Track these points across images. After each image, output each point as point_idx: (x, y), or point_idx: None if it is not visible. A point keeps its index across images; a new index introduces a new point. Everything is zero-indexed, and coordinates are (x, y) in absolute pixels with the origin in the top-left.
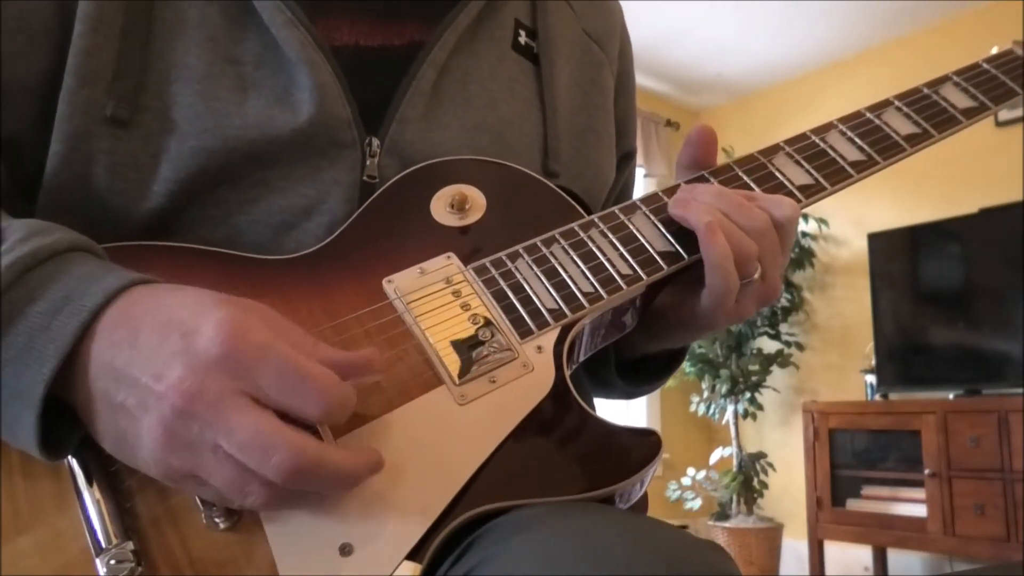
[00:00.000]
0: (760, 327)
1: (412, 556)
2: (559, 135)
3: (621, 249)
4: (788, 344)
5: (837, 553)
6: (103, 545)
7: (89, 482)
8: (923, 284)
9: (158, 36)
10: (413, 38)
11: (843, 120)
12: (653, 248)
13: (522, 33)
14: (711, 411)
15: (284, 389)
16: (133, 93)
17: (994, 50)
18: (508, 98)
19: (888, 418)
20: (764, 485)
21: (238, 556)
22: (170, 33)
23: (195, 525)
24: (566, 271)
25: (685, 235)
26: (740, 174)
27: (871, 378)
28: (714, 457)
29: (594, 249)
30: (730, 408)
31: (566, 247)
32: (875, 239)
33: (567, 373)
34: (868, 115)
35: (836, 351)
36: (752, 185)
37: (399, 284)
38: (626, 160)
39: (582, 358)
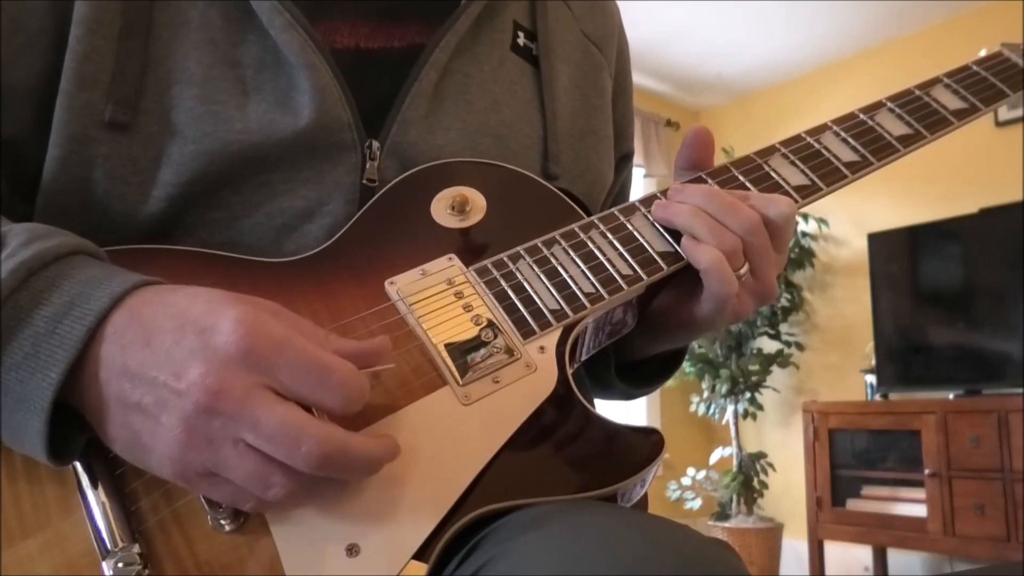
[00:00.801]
0: (760, 327)
1: (418, 556)
2: (559, 138)
3: (621, 250)
4: (788, 344)
5: (837, 553)
6: (109, 548)
7: (94, 485)
8: (923, 284)
9: (157, 38)
10: (413, 40)
11: (837, 121)
12: (652, 248)
13: (521, 35)
14: (711, 411)
15: (305, 381)
16: (132, 97)
17: (982, 52)
18: (509, 100)
19: (888, 418)
20: (764, 485)
21: (245, 557)
22: (169, 36)
23: (201, 527)
24: (567, 272)
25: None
26: (737, 175)
27: (871, 378)
28: (714, 457)
29: (594, 250)
30: (730, 408)
31: (567, 248)
32: (875, 239)
33: (569, 373)
34: (861, 116)
35: (836, 351)
36: (749, 186)
37: (401, 286)
38: (624, 161)
39: (584, 358)
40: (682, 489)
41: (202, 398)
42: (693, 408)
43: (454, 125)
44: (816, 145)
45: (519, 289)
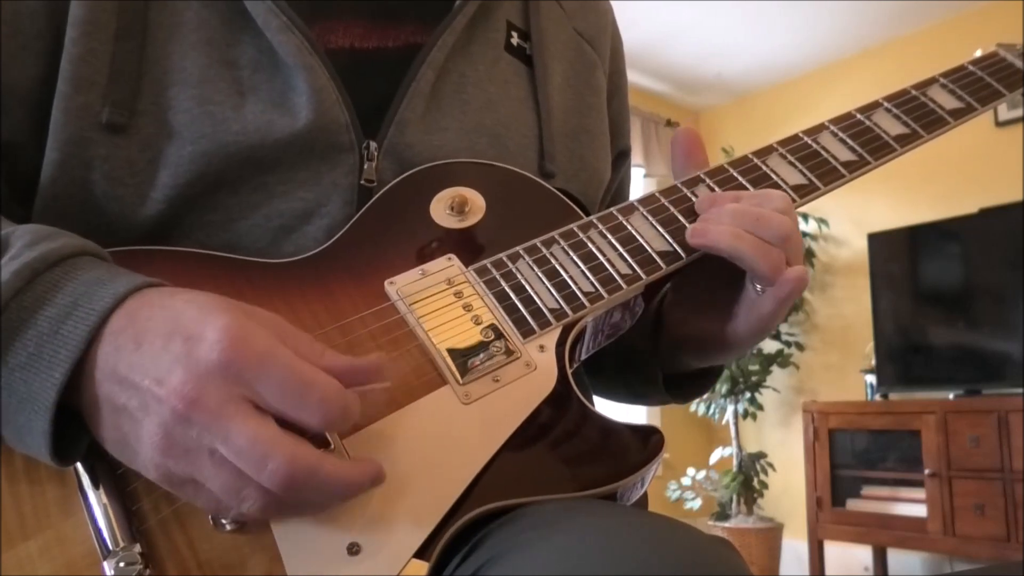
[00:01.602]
0: None
1: (419, 555)
2: (553, 136)
3: (620, 249)
4: (788, 344)
5: (837, 553)
6: (111, 548)
7: (95, 485)
8: (923, 284)
9: (153, 39)
10: (408, 40)
11: (834, 121)
12: (652, 248)
13: (514, 34)
14: (711, 411)
15: (284, 397)
16: (129, 98)
17: (978, 52)
18: (504, 100)
19: (888, 418)
20: (764, 485)
21: (246, 557)
22: (165, 36)
23: (202, 527)
24: (566, 271)
25: (683, 235)
26: (735, 175)
27: (871, 378)
28: (714, 457)
29: (593, 249)
30: (730, 408)
31: (566, 248)
32: (875, 239)
33: (569, 372)
34: (858, 116)
35: (836, 351)
36: (747, 185)
37: (401, 286)
38: (621, 159)
39: (583, 357)
40: (682, 489)
41: (179, 406)
42: (693, 408)
43: (451, 125)
44: (814, 145)
45: (519, 289)
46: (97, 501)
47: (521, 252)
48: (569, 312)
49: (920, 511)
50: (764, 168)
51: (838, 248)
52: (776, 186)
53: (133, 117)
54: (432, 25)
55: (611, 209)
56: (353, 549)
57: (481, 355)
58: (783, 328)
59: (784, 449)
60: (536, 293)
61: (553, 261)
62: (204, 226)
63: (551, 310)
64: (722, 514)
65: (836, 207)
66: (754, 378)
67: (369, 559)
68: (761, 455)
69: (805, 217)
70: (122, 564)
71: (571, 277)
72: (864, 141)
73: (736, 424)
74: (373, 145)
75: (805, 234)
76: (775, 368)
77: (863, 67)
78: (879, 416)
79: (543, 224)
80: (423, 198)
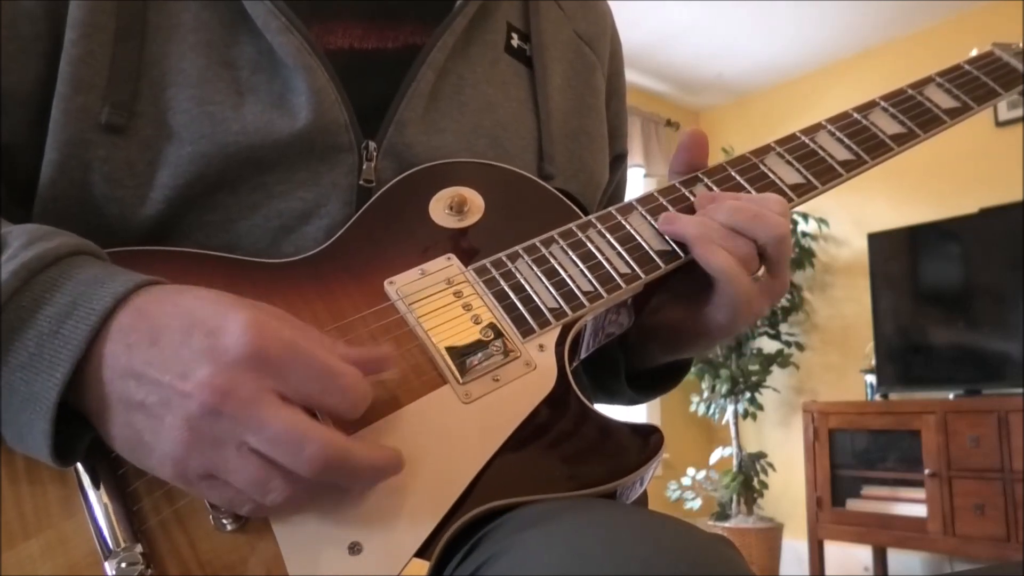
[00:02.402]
0: (760, 327)
1: (420, 554)
2: (553, 138)
3: (619, 248)
4: (788, 344)
5: (837, 553)
6: (112, 548)
7: (96, 485)
8: (923, 284)
9: (152, 40)
10: (407, 41)
11: (831, 120)
12: (650, 247)
13: (514, 36)
14: (711, 411)
15: (312, 386)
16: (128, 99)
17: (974, 52)
18: (503, 101)
19: (888, 418)
20: (764, 485)
21: (247, 557)
22: (164, 37)
23: (203, 526)
24: (566, 271)
25: None
26: (733, 174)
27: (871, 378)
28: (714, 457)
29: (592, 249)
30: (730, 408)
31: (565, 247)
32: (875, 239)
33: (569, 371)
34: (855, 115)
35: (836, 351)
36: (745, 184)
37: (400, 285)
38: (618, 162)
39: (583, 356)
40: (682, 489)
41: (209, 399)
42: (693, 408)
43: (450, 126)
44: (811, 144)
45: (518, 288)
46: (98, 501)
47: (520, 252)
48: (568, 311)
49: (920, 511)
50: (762, 167)
51: (838, 248)
52: (774, 184)
53: (132, 118)
54: (432, 26)
55: (610, 209)
56: (354, 548)
57: (481, 354)
58: (783, 328)
59: (784, 449)
60: (535, 292)
61: (552, 261)
62: (203, 226)
63: (550, 309)
64: (722, 514)
65: (836, 207)
66: (754, 378)
67: (370, 558)
68: (761, 455)
69: (805, 217)
70: (123, 564)
71: (570, 276)
72: (861, 140)
73: (736, 424)
74: (372, 145)
75: (805, 234)
76: (775, 368)
77: (863, 67)
78: (879, 416)
79: (542, 224)
80: (422, 198)
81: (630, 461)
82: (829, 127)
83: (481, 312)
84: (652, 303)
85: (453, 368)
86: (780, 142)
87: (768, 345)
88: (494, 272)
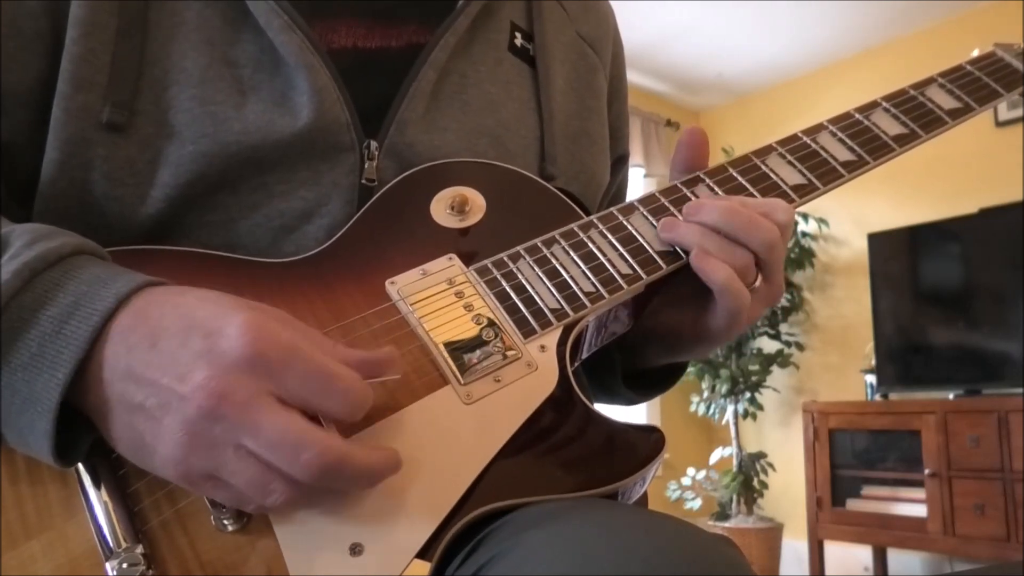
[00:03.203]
0: (760, 327)
1: (421, 555)
2: (555, 139)
3: (620, 249)
4: (788, 344)
5: (837, 553)
6: (113, 548)
7: (97, 486)
8: (923, 284)
9: (154, 39)
10: (411, 40)
11: (833, 121)
12: (652, 248)
13: (518, 35)
14: (711, 411)
15: (310, 389)
16: (129, 98)
17: (975, 52)
18: (506, 101)
19: (888, 418)
20: (764, 485)
21: (248, 557)
22: (166, 36)
23: (204, 527)
24: (567, 271)
25: None
26: (734, 175)
27: (871, 378)
28: (714, 457)
29: (594, 249)
30: (730, 408)
31: (566, 248)
32: (875, 239)
33: (570, 372)
34: (857, 116)
35: (836, 351)
36: (747, 185)
37: (402, 285)
38: (620, 163)
39: (584, 356)
40: (682, 489)
41: (205, 402)
42: (693, 408)
43: (451, 126)
44: (813, 145)
45: (520, 289)
46: (99, 501)
47: (522, 252)
48: (570, 312)
49: (920, 511)
50: (763, 168)
51: (838, 248)
52: (776, 186)
53: (133, 117)
54: (435, 25)
55: (611, 209)
56: (355, 549)
57: (482, 355)
58: (783, 328)
59: (784, 449)
60: (537, 293)
61: (554, 261)
62: (204, 226)
63: (552, 310)
64: (722, 514)
65: (836, 207)
66: (754, 378)
67: (371, 559)
68: (761, 455)
69: (805, 217)
70: (125, 565)
71: (572, 277)
72: (863, 141)
73: (736, 424)
74: (374, 144)
75: (805, 234)
76: (775, 368)
77: (863, 67)
78: (879, 416)
79: (544, 224)
80: (423, 198)
81: (631, 462)
82: (831, 128)
83: (483, 312)
84: (651, 305)
85: (454, 369)
86: (782, 142)
87: (768, 345)
88: (496, 272)
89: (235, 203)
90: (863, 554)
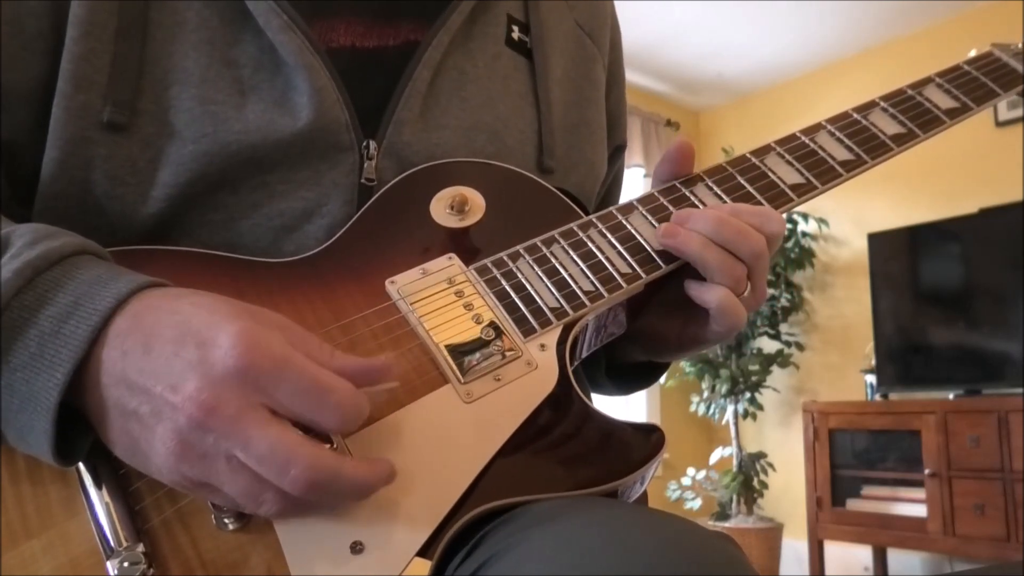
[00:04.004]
0: (760, 327)
1: (422, 553)
2: (553, 131)
3: (620, 248)
4: (788, 344)
5: (837, 553)
6: (114, 547)
7: (98, 485)
8: (923, 284)
9: (154, 39)
10: (408, 38)
11: (831, 121)
12: (651, 247)
13: (515, 28)
14: (711, 411)
15: (302, 402)
16: (130, 97)
17: (972, 52)
18: (503, 95)
19: (888, 418)
20: (764, 485)
21: (249, 556)
22: (166, 36)
23: (205, 526)
24: (567, 270)
25: None
26: (734, 174)
27: (871, 378)
28: (714, 457)
29: (593, 249)
30: (730, 408)
31: (566, 247)
32: (875, 239)
33: (570, 370)
34: (855, 116)
35: (836, 351)
36: (745, 184)
37: (402, 285)
38: (617, 153)
39: (584, 355)
40: (682, 489)
41: (195, 413)
42: (693, 408)
43: (449, 123)
44: (811, 144)
45: (519, 288)
46: (100, 501)
47: (521, 251)
48: (570, 311)
49: (920, 511)
50: (762, 167)
51: (838, 248)
52: (774, 184)
53: (134, 116)
54: (431, 22)
55: (611, 208)
56: (356, 548)
57: (482, 354)
58: (783, 328)
59: (784, 449)
60: (536, 292)
61: (553, 260)
62: (205, 225)
63: (552, 309)
64: (722, 514)
65: (836, 207)
66: (754, 378)
67: (372, 558)
68: (761, 455)
69: (805, 217)
70: (126, 564)
71: (571, 276)
72: (861, 140)
73: (736, 424)
74: (373, 144)
75: (805, 234)
76: (775, 368)
77: (863, 67)
78: (879, 416)
79: (543, 223)
80: (423, 197)
81: (631, 460)
82: (829, 127)
83: (482, 311)
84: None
85: (454, 367)
86: (780, 142)
87: (768, 345)
88: (495, 272)
89: (235, 202)
90: (863, 554)
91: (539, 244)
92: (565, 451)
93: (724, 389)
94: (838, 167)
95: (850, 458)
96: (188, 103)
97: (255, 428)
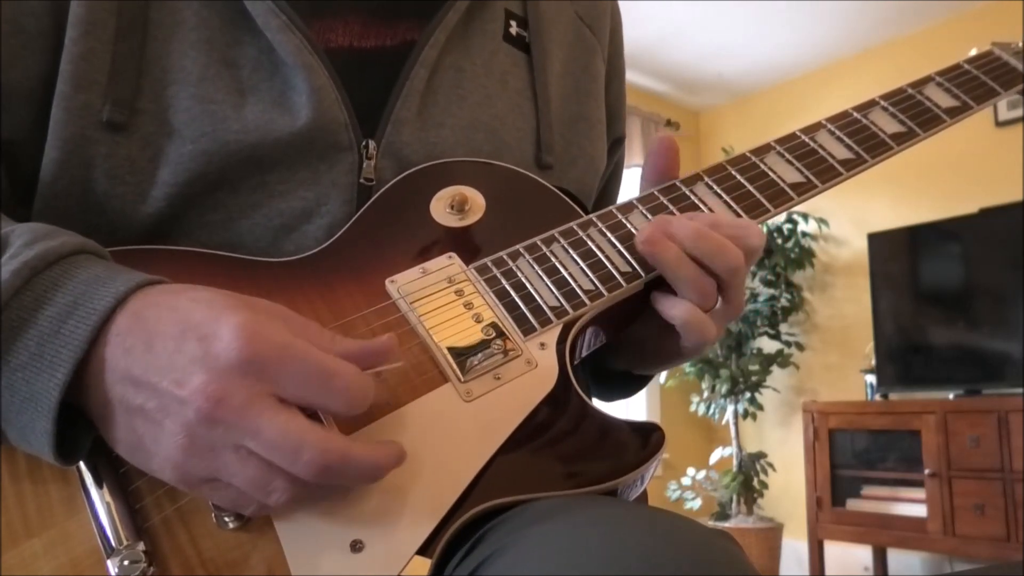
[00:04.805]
0: (760, 327)
1: (422, 551)
2: (551, 126)
3: (620, 247)
4: (788, 344)
5: (837, 553)
6: (114, 546)
7: (99, 484)
8: (923, 284)
9: (153, 38)
10: (405, 37)
11: (831, 120)
12: None
13: (513, 23)
14: (711, 411)
15: (308, 387)
16: (129, 97)
17: (973, 51)
18: (501, 92)
19: (888, 418)
20: (764, 485)
21: (249, 555)
22: (166, 35)
23: (205, 525)
24: (567, 269)
25: None
26: (733, 173)
27: (871, 378)
28: (714, 457)
29: (593, 247)
30: (730, 408)
31: (566, 246)
32: (875, 239)
33: (570, 370)
34: (855, 115)
35: (836, 351)
36: (745, 184)
37: (402, 284)
38: (616, 146)
39: (583, 355)
40: (682, 489)
41: (204, 406)
42: (693, 408)
43: (447, 121)
44: (811, 143)
45: (519, 287)
46: (100, 500)
47: (521, 250)
48: (570, 310)
49: (920, 511)
50: (762, 166)
51: (838, 248)
52: (774, 183)
53: (133, 115)
54: (428, 21)
55: (610, 208)
56: (356, 546)
57: (482, 353)
58: (783, 328)
59: (784, 449)
60: (536, 291)
61: (553, 259)
62: (204, 225)
63: (551, 308)
64: (722, 514)
65: (836, 207)
66: (754, 378)
67: (372, 556)
68: (761, 455)
69: (805, 217)
70: (126, 563)
71: (571, 275)
72: (861, 139)
73: (736, 424)
74: (372, 144)
75: (805, 234)
76: (775, 368)
77: (863, 67)
78: (879, 416)
79: (543, 222)
80: (423, 197)
81: (631, 459)
82: (829, 126)
83: (482, 310)
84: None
85: (454, 366)
86: (780, 141)
87: (768, 345)
88: (495, 271)
89: (235, 202)
90: (863, 554)
91: (539, 243)
92: (565, 450)
93: (724, 389)
94: (838, 166)
95: (850, 458)
96: (187, 102)
97: (264, 416)
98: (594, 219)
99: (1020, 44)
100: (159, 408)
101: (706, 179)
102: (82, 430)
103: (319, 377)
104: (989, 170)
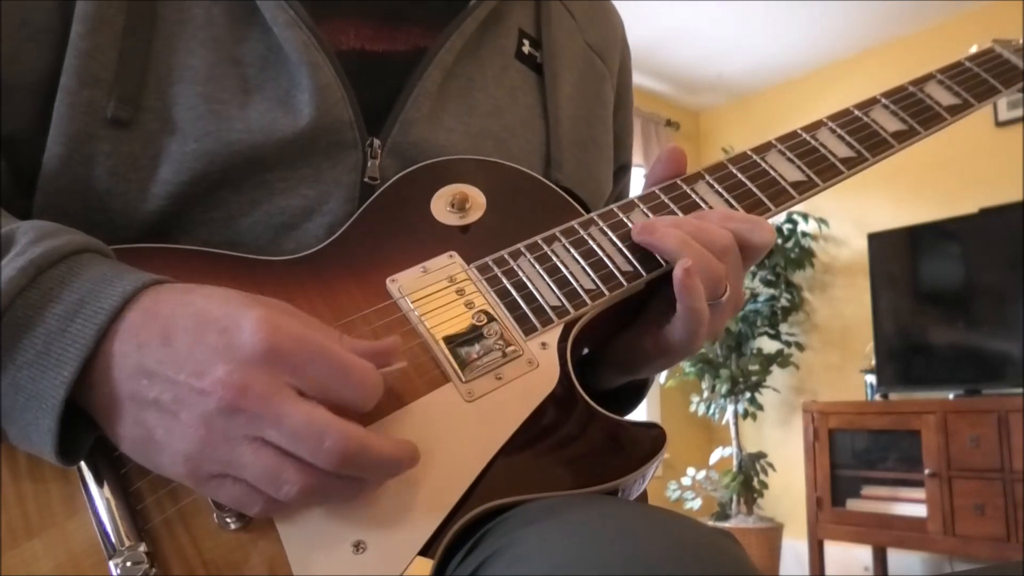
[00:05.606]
0: (760, 327)
1: (424, 551)
2: (561, 144)
3: (621, 246)
4: (788, 344)
5: (837, 553)
6: (116, 547)
7: (100, 484)
8: (923, 284)
9: (160, 35)
10: (417, 44)
11: (832, 118)
12: None
13: (526, 43)
14: (711, 411)
15: (328, 379)
16: (134, 94)
17: (973, 49)
18: (511, 106)
19: (888, 418)
20: (764, 485)
21: (250, 555)
22: (173, 33)
23: (207, 525)
24: (568, 268)
25: None
26: (734, 172)
27: (871, 378)
28: (714, 457)
29: (594, 247)
30: (730, 408)
31: (567, 245)
32: (875, 239)
33: (571, 369)
34: (856, 113)
35: (836, 351)
36: (746, 182)
37: (403, 283)
38: (622, 172)
39: (584, 354)
40: (682, 489)
41: (227, 395)
42: (693, 408)
43: (456, 127)
44: (812, 141)
45: (520, 286)
46: (102, 500)
47: (522, 249)
48: (571, 309)
49: (920, 511)
50: (763, 165)
51: (838, 248)
52: (775, 182)
53: (138, 112)
54: (441, 28)
55: (612, 206)
56: (358, 547)
57: (483, 353)
58: (783, 328)
59: (784, 449)
60: (538, 290)
61: (554, 258)
62: (206, 223)
63: (553, 307)
64: (722, 514)
65: (836, 207)
66: (754, 378)
67: (374, 557)
68: (761, 455)
69: (805, 217)
70: (128, 563)
71: (572, 274)
72: (862, 137)
73: (736, 424)
74: (377, 142)
75: (805, 234)
76: (775, 368)
77: (863, 67)
78: (879, 416)
79: (544, 221)
80: (424, 195)
81: (632, 459)
82: (830, 124)
83: (483, 310)
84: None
85: (455, 366)
86: (781, 139)
87: (768, 345)
88: (496, 270)
89: (236, 200)
90: (863, 554)
91: (540, 242)
92: (566, 449)
93: (724, 389)
94: (839, 164)
95: (850, 458)
96: (192, 100)
97: (287, 405)
98: (595, 218)
99: (1021, 41)
100: (175, 400)
101: (707, 177)
102: (83, 429)
103: (338, 369)
104: (989, 170)
